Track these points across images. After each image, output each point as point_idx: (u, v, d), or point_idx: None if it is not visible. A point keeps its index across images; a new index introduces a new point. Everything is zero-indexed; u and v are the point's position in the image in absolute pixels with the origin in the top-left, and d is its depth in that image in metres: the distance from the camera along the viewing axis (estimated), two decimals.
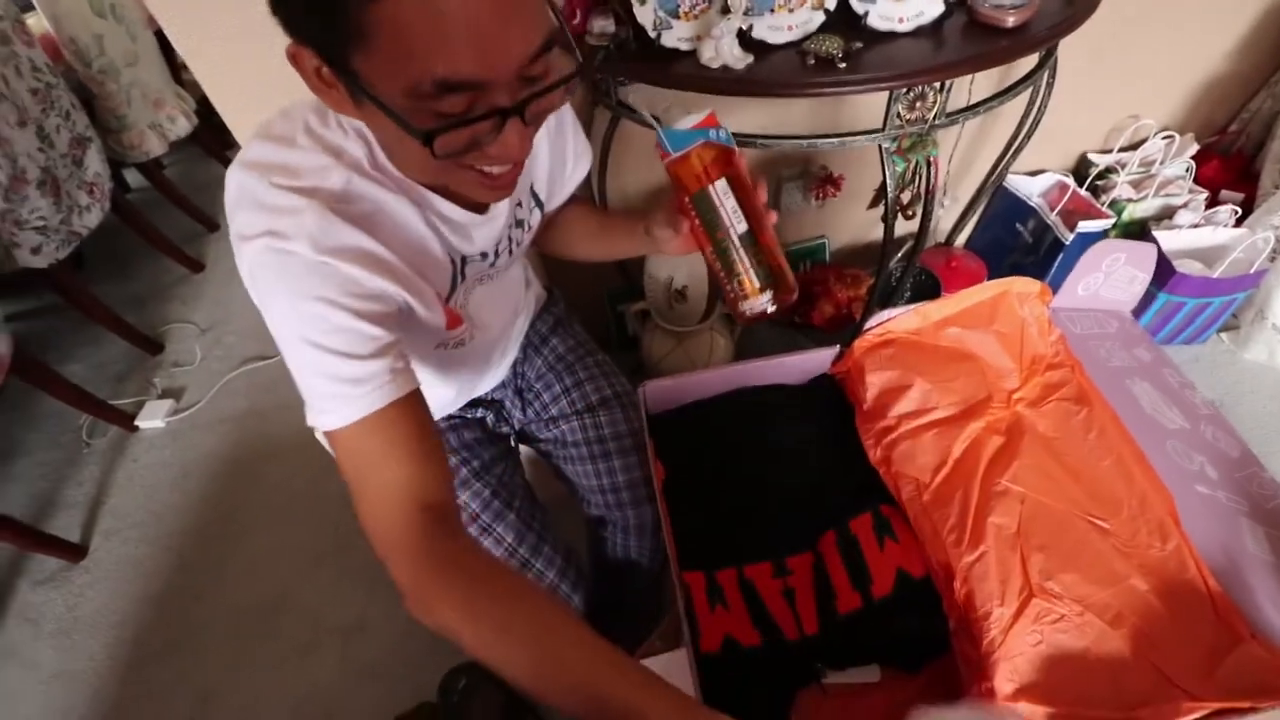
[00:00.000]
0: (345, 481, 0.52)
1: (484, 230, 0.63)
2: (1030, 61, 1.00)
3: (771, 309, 0.60)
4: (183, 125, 2.11)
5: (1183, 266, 1.30)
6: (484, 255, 0.66)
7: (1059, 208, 1.40)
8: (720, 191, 0.58)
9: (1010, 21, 0.80)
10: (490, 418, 0.89)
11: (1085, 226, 1.35)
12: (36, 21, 1.68)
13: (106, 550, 1.45)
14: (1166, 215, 1.41)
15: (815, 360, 0.72)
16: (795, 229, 1.54)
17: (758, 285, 0.59)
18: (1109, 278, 0.68)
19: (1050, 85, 1.09)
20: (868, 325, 0.67)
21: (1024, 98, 1.11)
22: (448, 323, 0.65)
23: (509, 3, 0.39)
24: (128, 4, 1.94)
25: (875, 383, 0.65)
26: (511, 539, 0.76)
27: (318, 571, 1.33)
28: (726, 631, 0.60)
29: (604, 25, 0.92)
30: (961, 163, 1.44)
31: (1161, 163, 1.43)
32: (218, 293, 2.10)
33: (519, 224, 0.70)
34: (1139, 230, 1.40)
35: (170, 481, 1.56)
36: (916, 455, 0.60)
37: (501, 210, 0.64)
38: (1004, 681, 0.47)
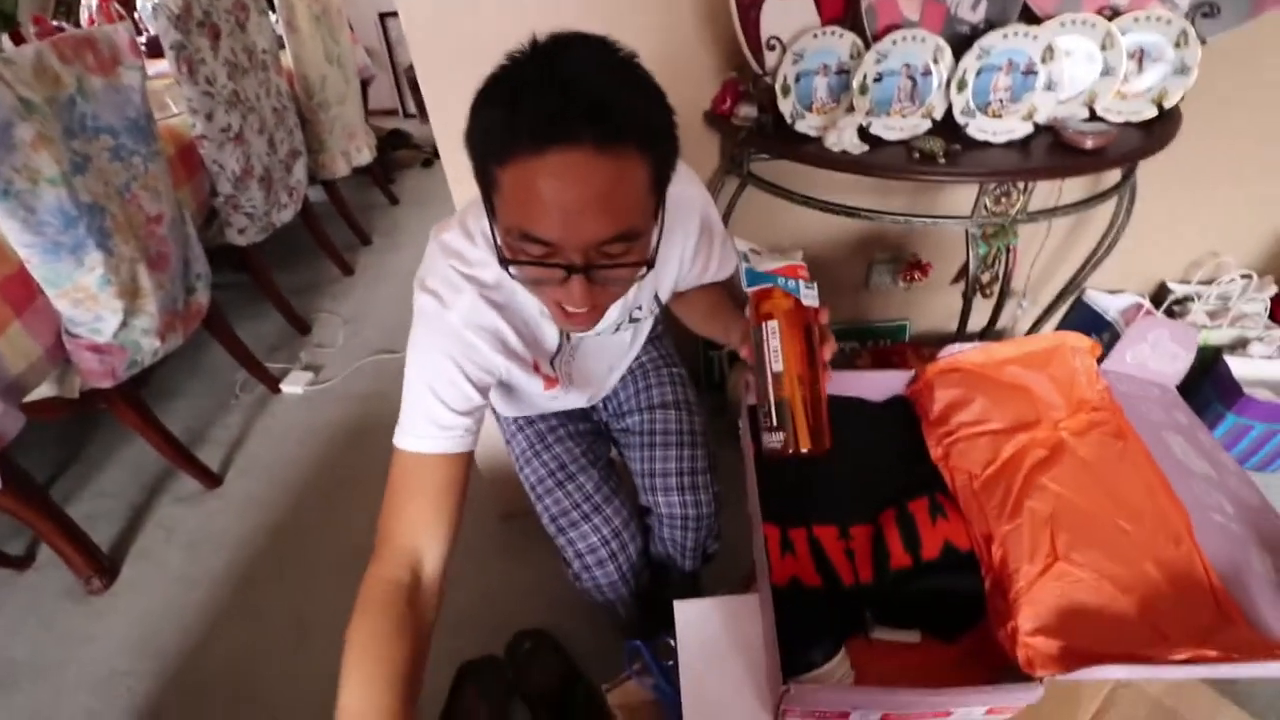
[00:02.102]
0: (387, 490, 0.66)
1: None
2: (1113, 179, 1.15)
3: (782, 450, 0.61)
4: (365, 156, 2.53)
5: (1254, 394, 1.36)
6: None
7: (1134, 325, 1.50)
8: (768, 331, 0.62)
9: (1089, 144, 0.96)
10: (590, 407, 1.06)
11: None
12: (284, 57, 2.12)
13: (238, 484, 1.69)
14: (1240, 345, 1.48)
15: (893, 380, 0.86)
16: (881, 309, 1.69)
17: (775, 423, 0.61)
18: (1155, 350, 0.79)
19: (1130, 208, 1.22)
20: (940, 354, 0.81)
21: (1107, 217, 1.26)
22: (545, 385, 0.81)
23: (591, 200, 0.49)
24: (348, 56, 2.40)
25: (942, 398, 0.77)
26: (590, 487, 0.91)
27: None
28: (793, 573, 0.71)
29: (749, 111, 1.15)
30: (1044, 270, 1.57)
31: (1239, 297, 1.51)
32: (362, 294, 2.43)
33: (632, 320, 0.83)
34: (1213, 355, 1.47)
35: (299, 439, 1.80)
36: (971, 453, 0.71)
37: (613, 310, 0.75)
38: (1026, 621, 0.57)
